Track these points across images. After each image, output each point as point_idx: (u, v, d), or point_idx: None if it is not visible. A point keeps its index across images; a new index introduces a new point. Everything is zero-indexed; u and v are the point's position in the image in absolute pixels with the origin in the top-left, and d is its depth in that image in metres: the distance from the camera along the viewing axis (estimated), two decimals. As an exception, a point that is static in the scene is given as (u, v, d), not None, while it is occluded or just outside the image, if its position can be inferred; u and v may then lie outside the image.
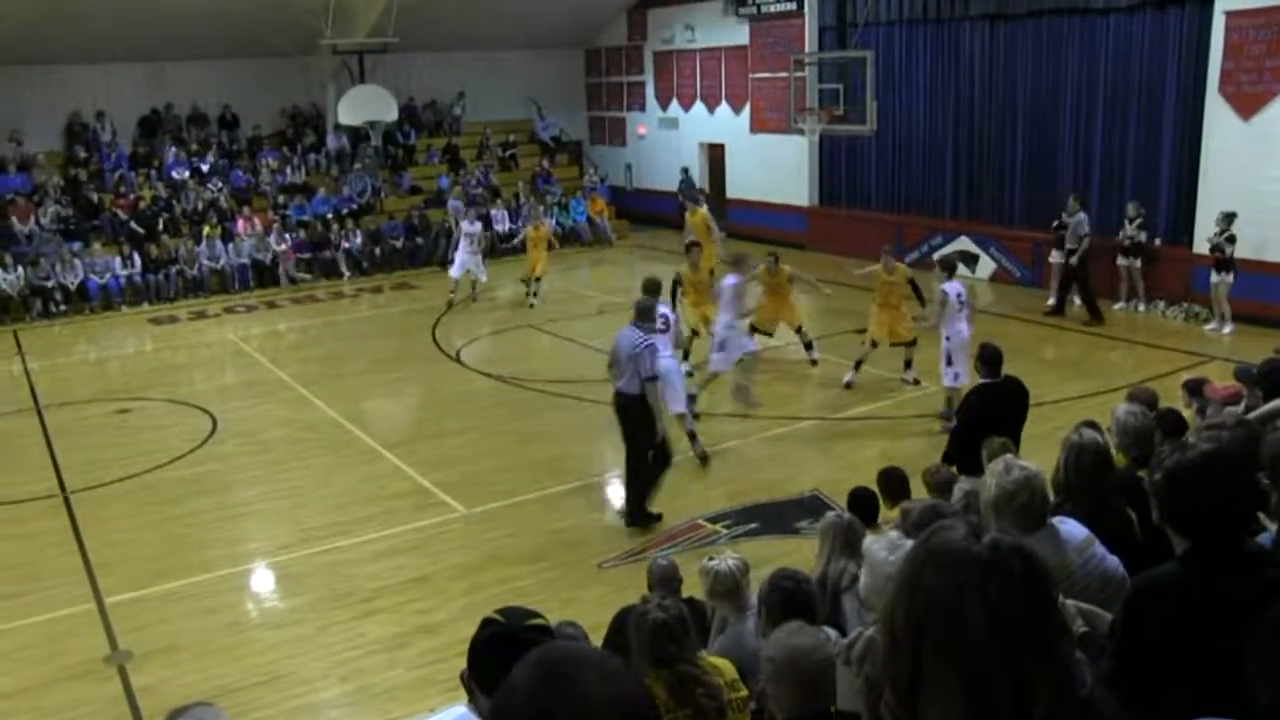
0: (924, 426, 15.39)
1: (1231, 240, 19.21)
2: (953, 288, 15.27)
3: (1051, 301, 22.01)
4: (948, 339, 15.10)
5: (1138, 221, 21.01)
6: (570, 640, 4.35)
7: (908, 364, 17.15)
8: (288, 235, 28.57)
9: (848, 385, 17.18)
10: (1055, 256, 22.02)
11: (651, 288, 14.23)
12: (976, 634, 2.11)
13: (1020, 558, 2.18)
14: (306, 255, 28.67)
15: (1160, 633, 3.73)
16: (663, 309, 14.35)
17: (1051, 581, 2.24)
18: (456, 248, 25.16)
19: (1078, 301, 21.59)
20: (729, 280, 16.39)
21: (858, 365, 17.27)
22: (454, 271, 24.82)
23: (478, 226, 25.24)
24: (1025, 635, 2.13)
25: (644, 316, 12.71)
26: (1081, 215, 20.93)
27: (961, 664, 2.12)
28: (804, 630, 4.55)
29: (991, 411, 10.39)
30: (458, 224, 26.50)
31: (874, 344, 17.09)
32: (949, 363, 15.10)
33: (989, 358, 10.87)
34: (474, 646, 3.48)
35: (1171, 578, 3.85)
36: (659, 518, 12.81)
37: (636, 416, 12.49)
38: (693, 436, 14.70)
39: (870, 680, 2.42)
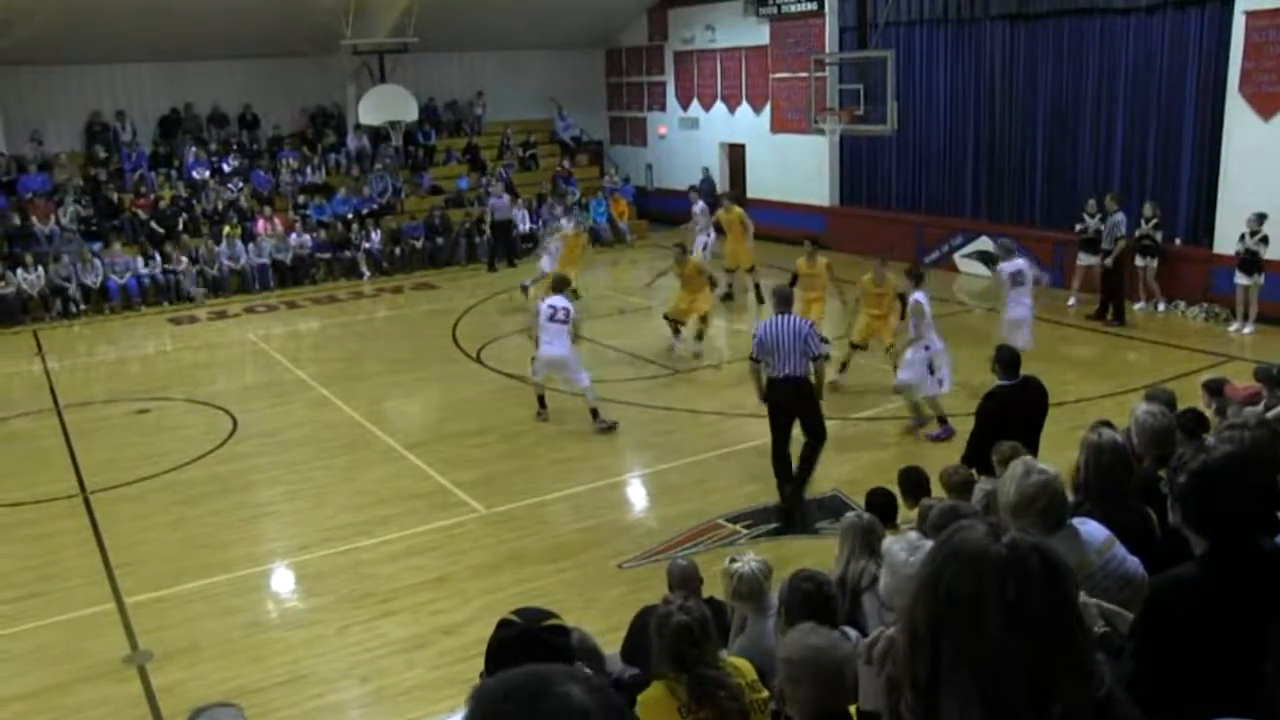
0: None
1: (1264, 241, 19.17)
2: (924, 296, 15.18)
3: (1072, 302, 21.98)
4: (926, 348, 15.02)
5: (1153, 221, 20.92)
6: (581, 641, 4.36)
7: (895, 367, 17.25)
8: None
9: (834, 385, 17.18)
10: (1084, 259, 21.95)
11: (560, 284, 16.81)
12: (994, 633, 2.11)
13: (1039, 557, 2.18)
14: (327, 255, 28.74)
15: (1180, 633, 3.72)
16: (561, 301, 16.16)
17: (1070, 581, 2.24)
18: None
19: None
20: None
21: (843, 367, 17.43)
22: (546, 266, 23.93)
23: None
24: (1043, 635, 2.13)
25: (787, 304, 13.09)
26: (1120, 216, 20.86)
27: (979, 663, 2.12)
28: (817, 631, 4.53)
29: (1009, 413, 10.30)
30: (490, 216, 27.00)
31: (856, 346, 17.47)
32: (932, 371, 15.04)
33: (1006, 359, 10.72)
34: (492, 647, 3.48)
35: (1191, 579, 3.84)
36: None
37: (809, 395, 12.80)
38: (594, 413, 16.13)
39: (891, 680, 2.41)
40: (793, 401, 12.77)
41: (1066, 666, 2.15)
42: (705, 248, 24.39)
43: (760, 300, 22.72)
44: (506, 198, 29.66)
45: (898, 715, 2.33)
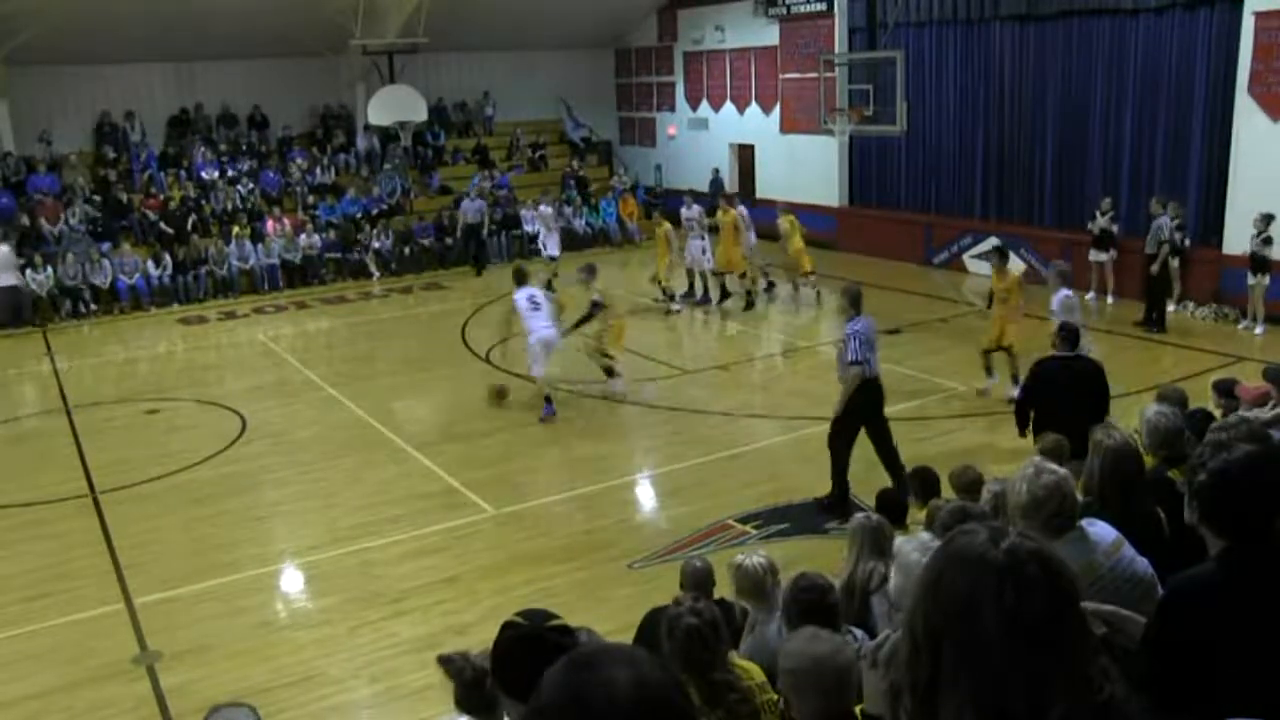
0: (955, 426, 15.34)
1: (1268, 242, 19.14)
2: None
3: (1090, 296, 22.03)
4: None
5: (1177, 222, 20.77)
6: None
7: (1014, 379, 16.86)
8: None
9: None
10: (1094, 255, 21.97)
11: (519, 276, 17.16)
12: (991, 637, 2.13)
13: (1037, 562, 2.19)
14: (336, 255, 28.78)
15: (1197, 633, 3.70)
16: (533, 291, 17.09)
17: (1071, 585, 2.24)
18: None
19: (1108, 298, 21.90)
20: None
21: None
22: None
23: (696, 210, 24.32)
24: (1041, 639, 2.14)
25: (859, 305, 12.75)
26: (1164, 219, 20.50)
27: (976, 667, 2.13)
28: (819, 636, 4.50)
29: (1053, 382, 10.99)
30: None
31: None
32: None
33: (1065, 333, 11.38)
34: (497, 649, 3.47)
35: (1209, 578, 3.82)
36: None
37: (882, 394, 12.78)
38: (548, 400, 16.78)
39: (895, 685, 2.42)
40: (879, 403, 12.77)
41: (1065, 671, 2.16)
42: (704, 253, 23.99)
43: (749, 306, 23.23)
44: (481, 202, 29.71)
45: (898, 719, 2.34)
